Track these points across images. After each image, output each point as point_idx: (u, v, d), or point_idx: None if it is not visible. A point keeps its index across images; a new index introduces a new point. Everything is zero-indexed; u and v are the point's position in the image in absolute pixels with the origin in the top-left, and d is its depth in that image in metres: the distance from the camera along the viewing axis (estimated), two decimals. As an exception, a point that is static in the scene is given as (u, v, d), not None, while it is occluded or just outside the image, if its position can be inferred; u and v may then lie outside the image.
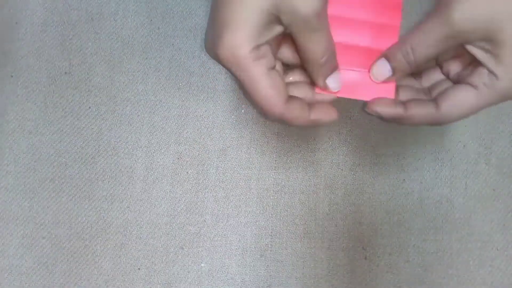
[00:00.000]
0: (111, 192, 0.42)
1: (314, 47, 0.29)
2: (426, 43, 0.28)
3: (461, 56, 0.30)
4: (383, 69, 0.31)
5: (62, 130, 0.42)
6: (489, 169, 0.42)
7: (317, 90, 0.32)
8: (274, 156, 0.43)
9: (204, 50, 0.30)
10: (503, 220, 0.42)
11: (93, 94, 0.43)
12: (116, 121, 0.43)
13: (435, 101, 0.30)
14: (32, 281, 0.41)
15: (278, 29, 0.29)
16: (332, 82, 0.31)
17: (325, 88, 0.31)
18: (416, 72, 0.33)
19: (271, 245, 0.42)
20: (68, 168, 0.42)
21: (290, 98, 0.30)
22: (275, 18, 0.27)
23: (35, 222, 0.41)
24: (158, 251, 0.41)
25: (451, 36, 0.28)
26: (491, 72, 0.28)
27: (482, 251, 0.41)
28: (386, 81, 0.32)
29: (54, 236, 0.41)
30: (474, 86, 0.29)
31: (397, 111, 0.30)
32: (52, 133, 0.42)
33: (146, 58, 0.43)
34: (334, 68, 0.31)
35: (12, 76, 0.43)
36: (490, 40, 0.27)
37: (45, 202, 0.41)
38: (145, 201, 0.42)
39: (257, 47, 0.27)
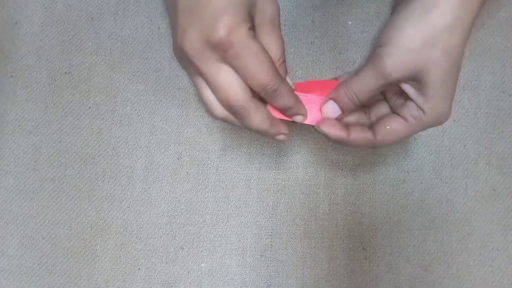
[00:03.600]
0: (111, 192, 0.42)
1: (275, 44, 0.32)
2: (365, 89, 0.33)
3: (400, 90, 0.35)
4: (333, 109, 0.35)
5: (62, 130, 0.42)
6: (489, 169, 0.42)
7: (272, 111, 0.34)
8: (274, 156, 0.43)
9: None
10: (503, 220, 0.42)
11: (93, 94, 0.43)
12: (116, 121, 0.43)
13: (372, 128, 0.34)
14: (32, 281, 0.41)
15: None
16: (289, 82, 0.34)
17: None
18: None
19: (271, 245, 0.42)
20: (68, 168, 0.42)
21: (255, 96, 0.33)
22: (252, 16, 0.31)
23: (35, 222, 0.41)
24: (158, 251, 0.41)
25: (385, 83, 0.32)
26: (419, 107, 0.32)
27: (482, 251, 0.41)
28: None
29: (54, 236, 0.41)
30: (405, 118, 0.33)
31: (341, 134, 0.34)
32: (52, 133, 0.42)
33: (146, 58, 0.43)
34: (286, 73, 0.34)
35: (12, 76, 0.43)
36: (418, 81, 0.32)
37: (45, 202, 0.41)
38: (145, 201, 0.42)
39: (251, 28, 0.30)
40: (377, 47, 0.33)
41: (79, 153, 0.42)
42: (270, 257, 0.41)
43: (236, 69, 0.30)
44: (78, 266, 0.41)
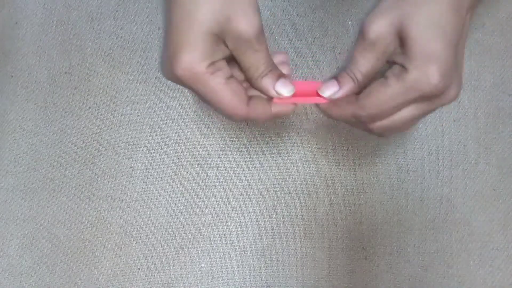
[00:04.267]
0: (111, 192, 0.42)
1: (256, 64, 0.32)
2: (361, 66, 0.32)
3: None
4: (333, 87, 0.34)
5: (62, 130, 0.42)
6: (489, 169, 0.42)
7: (274, 100, 0.34)
8: (274, 156, 0.43)
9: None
10: (503, 220, 0.42)
11: (93, 94, 0.43)
12: (116, 121, 0.43)
13: (357, 97, 0.33)
14: (32, 281, 0.41)
15: (226, 51, 0.32)
16: (282, 87, 0.33)
17: (278, 96, 0.33)
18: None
19: (271, 245, 0.42)
20: (68, 168, 0.42)
21: (251, 98, 0.33)
22: (222, 41, 0.31)
23: (35, 222, 0.41)
24: (158, 251, 0.41)
25: (375, 53, 0.32)
26: (401, 65, 0.31)
27: (482, 251, 0.41)
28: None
29: (54, 236, 0.41)
30: (386, 78, 0.31)
31: (327, 105, 0.34)
32: (52, 133, 0.42)
33: (146, 58, 0.43)
34: (278, 76, 0.33)
35: (12, 76, 0.43)
36: (402, 43, 0.30)
37: (45, 202, 0.41)
38: (145, 201, 0.42)
39: (213, 63, 0.31)
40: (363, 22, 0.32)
41: (79, 153, 0.42)
42: (270, 257, 0.41)
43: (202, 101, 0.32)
44: (78, 266, 0.41)
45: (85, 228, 0.41)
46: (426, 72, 0.30)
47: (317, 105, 0.35)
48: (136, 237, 0.41)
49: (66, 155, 0.42)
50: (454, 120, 0.43)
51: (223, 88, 0.31)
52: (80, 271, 0.41)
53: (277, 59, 0.35)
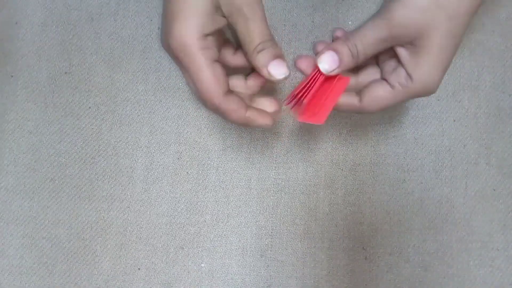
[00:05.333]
0: (111, 192, 0.42)
1: (249, 34, 0.31)
2: (368, 41, 0.32)
3: (393, 57, 0.35)
4: (331, 59, 0.33)
5: (62, 130, 0.42)
6: (490, 169, 0.42)
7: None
8: (274, 156, 0.43)
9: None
10: (503, 220, 0.42)
11: (93, 94, 0.43)
12: (116, 121, 0.43)
13: (360, 94, 0.34)
14: (32, 281, 0.41)
15: (222, 21, 0.31)
16: (274, 69, 0.32)
17: (269, 77, 0.32)
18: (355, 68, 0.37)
19: (271, 245, 0.42)
20: (68, 168, 0.42)
21: (230, 92, 0.32)
22: (218, 9, 0.31)
23: (35, 222, 0.41)
24: (158, 251, 0.41)
25: (388, 37, 0.32)
26: (408, 74, 0.32)
27: (482, 251, 0.41)
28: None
29: (54, 236, 0.41)
30: (392, 86, 0.33)
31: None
32: (52, 133, 0.42)
33: (146, 58, 0.43)
34: (275, 55, 0.32)
35: (12, 76, 0.43)
36: (415, 45, 0.32)
37: (45, 202, 0.41)
38: (145, 201, 0.42)
39: (204, 36, 0.30)
40: (386, 2, 0.32)
41: (79, 153, 0.42)
42: (270, 257, 0.41)
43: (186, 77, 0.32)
44: (78, 266, 0.41)
45: (85, 228, 0.41)
46: (431, 85, 0.32)
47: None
48: (136, 237, 0.41)
49: (66, 155, 0.42)
50: (454, 120, 0.43)
51: (206, 67, 0.30)
52: (80, 271, 0.41)
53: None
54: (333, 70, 0.33)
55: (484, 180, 0.42)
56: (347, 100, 0.34)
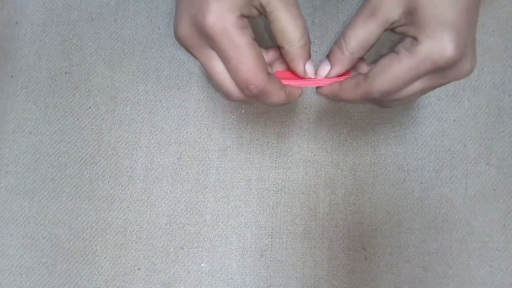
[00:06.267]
0: (111, 192, 0.42)
1: (293, 24, 0.29)
2: (359, 36, 0.30)
3: None
4: (326, 66, 0.32)
5: (62, 130, 0.42)
6: (490, 169, 0.42)
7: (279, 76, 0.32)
8: (274, 156, 0.43)
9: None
10: (504, 220, 0.42)
11: (93, 94, 0.43)
12: (116, 121, 0.43)
13: (367, 73, 0.31)
14: (32, 281, 0.41)
15: (254, 11, 0.29)
16: (310, 68, 0.32)
17: (302, 73, 0.32)
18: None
19: (271, 245, 0.42)
20: (68, 168, 0.42)
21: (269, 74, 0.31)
22: None
23: (35, 222, 0.41)
24: (158, 251, 0.41)
25: (379, 24, 0.29)
26: (412, 37, 0.29)
27: (482, 251, 0.41)
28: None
29: (54, 236, 0.41)
30: (397, 52, 0.29)
31: (332, 86, 0.32)
32: (52, 133, 0.42)
33: (146, 58, 0.43)
34: (309, 55, 0.32)
35: (12, 76, 0.43)
36: (410, 12, 0.28)
37: (45, 202, 0.41)
38: (145, 201, 0.42)
39: (242, 17, 0.28)
40: None
41: (79, 153, 0.42)
42: (270, 257, 0.41)
43: (222, 61, 0.29)
44: (78, 266, 0.41)
45: (85, 228, 0.41)
46: (439, 42, 0.27)
47: (326, 93, 0.33)
48: (136, 237, 0.41)
49: (66, 155, 0.42)
50: (454, 120, 0.43)
51: (248, 47, 0.28)
52: (80, 271, 0.41)
53: None
54: (329, 73, 0.32)
55: (484, 180, 0.42)
56: (352, 81, 0.31)
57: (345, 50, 0.31)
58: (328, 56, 0.32)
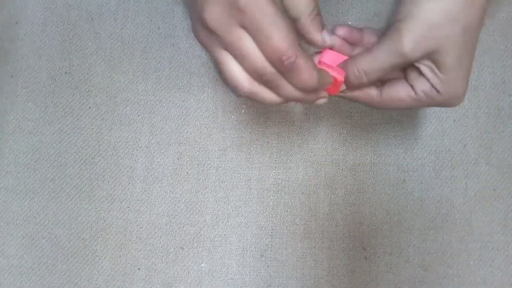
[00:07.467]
0: (111, 192, 0.42)
1: (307, 1, 0.30)
2: (377, 67, 0.31)
3: None
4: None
5: (62, 130, 0.42)
6: (490, 169, 0.42)
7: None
8: (274, 156, 0.43)
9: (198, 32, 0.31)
10: (504, 220, 0.42)
11: (93, 94, 0.43)
12: (116, 121, 0.43)
13: (381, 88, 0.33)
14: (32, 281, 0.41)
15: None
16: (327, 35, 0.32)
17: (322, 41, 0.32)
18: None
19: (271, 245, 0.42)
20: (68, 168, 0.42)
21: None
22: None
23: (35, 222, 0.41)
24: (158, 251, 0.41)
25: (401, 63, 0.30)
26: (433, 87, 0.31)
27: (482, 251, 0.41)
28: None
29: (54, 236, 0.41)
30: (416, 92, 0.32)
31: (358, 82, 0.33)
32: (52, 133, 0.42)
33: (146, 58, 0.43)
34: (323, 25, 0.32)
35: (12, 76, 0.43)
36: (434, 61, 0.30)
37: (45, 202, 0.41)
38: (145, 201, 0.42)
39: None
40: (395, 21, 0.30)
41: (79, 153, 0.42)
42: (270, 257, 0.41)
43: (253, 36, 0.29)
44: (78, 266, 0.41)
45: (85, 228, 0.41)
46: (456, 94, 0.31)
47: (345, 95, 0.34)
48: (136, 237, 0.41)
49: (66, 155, 0.42)
50: (454, 120, 0.43)
51: (281, 18, 0.28)
52: (80, 271, 0.41)
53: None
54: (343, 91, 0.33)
55: (484, 180, 0.42)
56: (366, 92, 0.33)
57: (364, 80, 0.32)
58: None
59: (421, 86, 0.31)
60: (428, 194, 0.42)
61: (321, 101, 0.32)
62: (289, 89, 0.30)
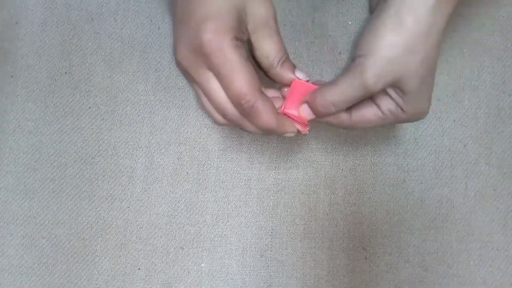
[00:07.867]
0: (111, 192, 0.42)
1: (274, 47, 0.33)
2: (344, 99, 0.32)
3: None
4: (308, 112, 0.34)
5: (62, 130, 0.42)
6: (490, 169, 0.42)
7: (283, 110, 0.34)
8: (274, 156, 0.43)
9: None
10: (504, 220, 0.42)
11: (93, 94, 0.43)
12: (116, 121, 0.43)
13: (350, 111, 0.34)
14: (32, 281, 0.41)
15: (245, 35, 0.32)
16: (300, 73, 0.34)
17: (293, 79, 0.34)
18: None
19: (271, 245, 0.42)
20: (68, 168, 0.42)
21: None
22: (243, 21, 0.31)
23: (35, 222, 0.41)
24: (158, 251, 0.41)
25: (365, 94, 0.32)
26: (398, 106, 0.33)
27: (482, 251, 0.41)
28: None
29: (54, 236, 0.41)
30: (382, 112, 0.33)
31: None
32: (52, 133, 0.42)
33: (146, 58, 0.43)
34: (293, 66, 0.34)
35: (12, 76, 0.43)
36: (397, 88, 0.32)
37: (45, 202, 0.41)
38: (145, 201, 0.42)
39: (236, 38, 0.30)
40: (356, 56, 0.32)
41: (79, 153, 0.42)
42: (270, 257, 0.41)
43: (217, 78, 0.31)
44: (78, 266, 0.41)
45: (85, 228, 0.41)
46: (420, 111, 0.33)
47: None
48: (136, 237, 0.41)
49: (66, 155, 0.42)
50: (454, 120, 0.43)
51: (241, 64, 0.30)
52: (80, 271, 0.41)
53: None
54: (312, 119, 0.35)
55: (484, 180, 0.42)
56: (337, 117, 0.34)
57: (332, 110, 0.33)
58: (311, 107, 0.34)
59: (387, 105, 0.33)
60: (428, 194, 0.42)
61: (288, 135, 0.34)
62: (252, 128, 0.32)
